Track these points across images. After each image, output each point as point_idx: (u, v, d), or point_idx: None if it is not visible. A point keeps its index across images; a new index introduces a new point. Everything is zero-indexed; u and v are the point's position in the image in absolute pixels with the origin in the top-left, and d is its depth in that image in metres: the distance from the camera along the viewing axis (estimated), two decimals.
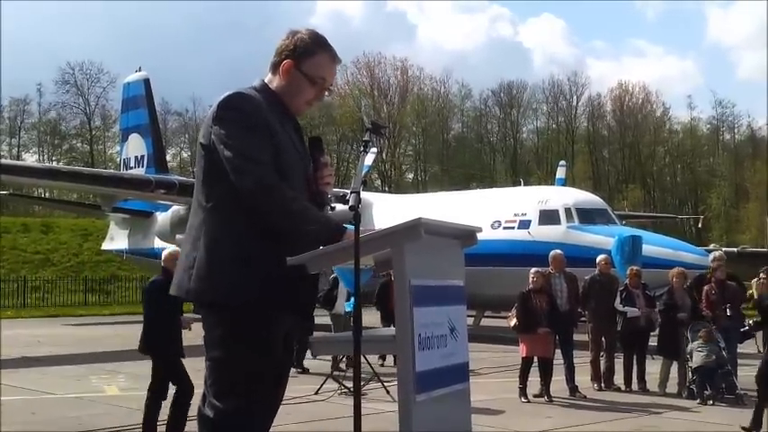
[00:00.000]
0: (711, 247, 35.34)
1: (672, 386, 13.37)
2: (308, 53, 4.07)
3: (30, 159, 64.09)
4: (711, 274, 14.14)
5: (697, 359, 12.61)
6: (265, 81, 4.13)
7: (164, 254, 9.81)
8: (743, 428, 10.01)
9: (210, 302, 3.89)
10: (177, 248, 9.19)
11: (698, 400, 12.34)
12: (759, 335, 13.11)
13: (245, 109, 3.91)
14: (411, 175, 74.76)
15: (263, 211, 3.82)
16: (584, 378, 13.72)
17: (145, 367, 15.86)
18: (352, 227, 3.67)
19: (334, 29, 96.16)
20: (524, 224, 23.51)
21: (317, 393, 12.47)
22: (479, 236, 4.41)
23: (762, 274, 11.40)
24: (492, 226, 23.17)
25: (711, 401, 12.24)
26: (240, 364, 3.82)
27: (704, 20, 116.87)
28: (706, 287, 13.78)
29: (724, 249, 27.36)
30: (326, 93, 4.22)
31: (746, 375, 14.23)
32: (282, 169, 3.88)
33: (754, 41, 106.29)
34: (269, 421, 4.03)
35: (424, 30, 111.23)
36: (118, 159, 41.45)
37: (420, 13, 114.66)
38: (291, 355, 4.17)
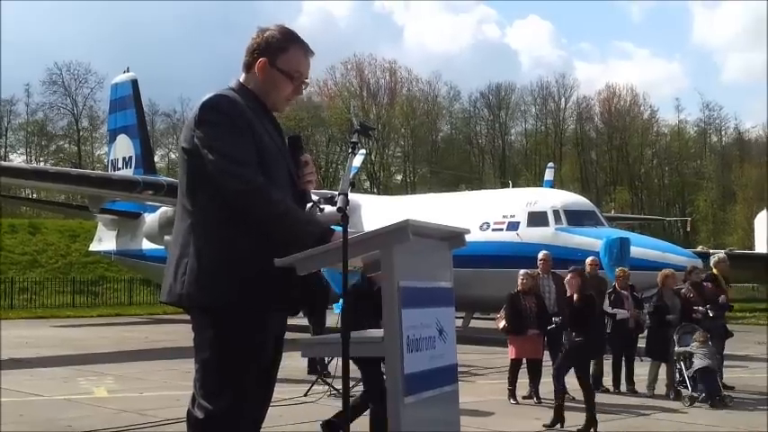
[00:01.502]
0: (699, 249, 35.51)
1: (660, 388, 13.40)
2: (280, 49, 4.07)
3: (17, 160, 63.81)
4: (686, 277, 14.19)
5: (699, 363, 12.54)
6: (241, 81, 4.13)
7: None
8: (545, 426, 10.45)
9: (201, 306, 3.89)
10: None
11: (692, 402, 12.32)
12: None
13: (227, 110, 3.91)
14: (399, 177, 74.69)
15: (249, 213, 3.82)
16: (572, 380, 13.72)
17: (133, 369, 15.89)
18: (341, 228, 3.68)
19: (323, 28, 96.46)
20: (513, 226, 23.53)
21: (306, 395, 12.45)
22: (468, 237, 4.41)
23: (569, 275, 11.45)
24: (480, 228, 23.20)
25: (709, 403, 12.23)
26: (229, 365, 3.83)
27: (689, 23, 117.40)
28: (683, 290, 13.82)
29: (711, 251, 27.48)
30: (303, 87, 4.21)
31: (730, 377, 14.33)
32: (266, 169, 3.88)
33: (740, 43, 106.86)
34: (259, 422, 4.05)
35: (411, 31, 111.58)
36: (106, 160, 41.28)
37: (406, 13, 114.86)
38: (280, 354, 4.17)
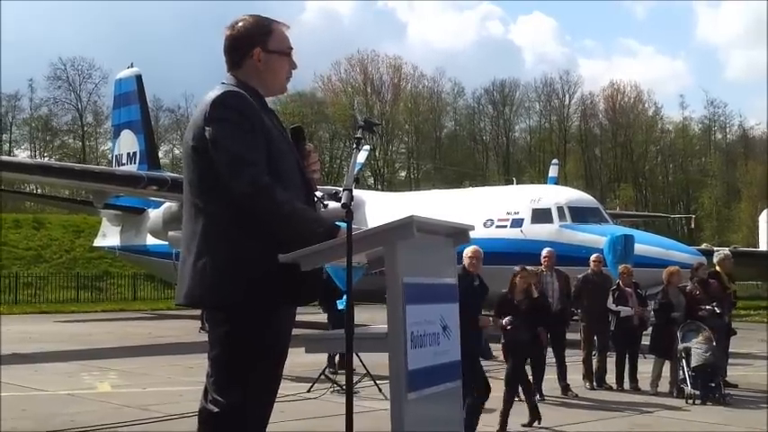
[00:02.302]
0: (703, 246, 35.46)
1: (663, 385, 13.39)
2: (266, 33, 4.07)
3: (21, 155, 63.73)
4: (693, 274, 14.16)
5: (695, 360, 12.51)
6: (237, 78, 4.09)
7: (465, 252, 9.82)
8: (523, 425, 10.36)
9: (221, 305, 3.91)
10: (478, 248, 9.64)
11: (693, 400, 12.28)
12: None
13: (237, 106, 3.89)
14: (403, 173, 74.70)
15: (256, 213, 3.82)
16: (576, 377, 13.73)
17: (136, 364, 15.91)
18: (345, 225, 3.67)
19: (326, 25, 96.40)
20: (517, 223, 23.53)
21: (309, 391, 12.46)
22: (472, 234, 4.41)
23: (518, 276, 11.14)
24: (484, 224, 23.18)
25: (708, 402, 12.19)
26: (240, 361, 3.86)
27: (694, 20, 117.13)
28: (689, 286, 13.79)
29: (715, 248, 27.45)
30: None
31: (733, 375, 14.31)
32: (275, 163, 3.88)
33: (743, 41, 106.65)
34: (267, 416, 4.08)
35: (415, 27, 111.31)
36: (110, 156, 41.33)
37: (410, 10, 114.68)
38: (287, 349, 4.18)
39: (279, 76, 4.13)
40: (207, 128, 3.88)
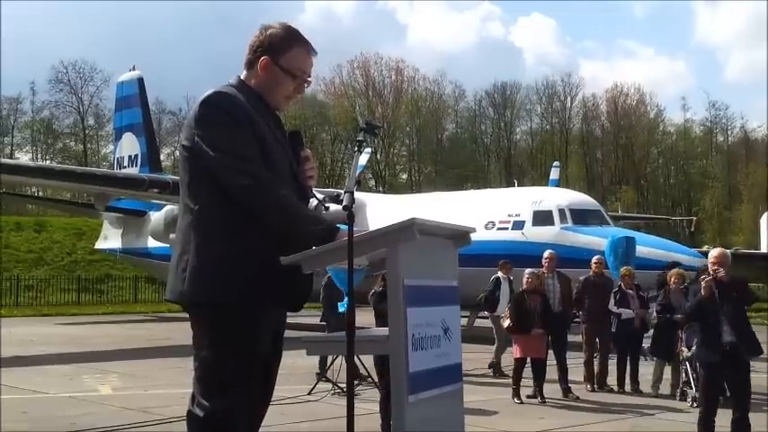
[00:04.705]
0: (705, 248, 35.38)
1: (665, 387, 13.38)
2: (283, 48, 4.05)
3: (23, 158, 63.76)
4: (701, 275, 14.12)
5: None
6: (241, 78, 4.11)
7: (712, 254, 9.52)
8: None
9: (199, 303, 3.88)
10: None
11: (695, 403, 12.26)
12: None
13: (226, 106, 3.89)
14: (405, 176, 74.69)
15: (255, 208, 3.81)
16: (577, 379, 13.73)
17: (137, 367, 15.90)
18: (346, 227, 3.67)
19: (325, 26, 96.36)
20: (518, 225, 23.54)
21: (310, 393, 12.46)
22: (473, 236, 4.40)
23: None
24: (486, 227, 23.18)
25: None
26: (227, 363, 3.81)
27: (692, 21, 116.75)
28: (692, 288, 13.77)
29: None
30: (305, 85, 4.19)
31: None
32: (267, 163, 3.86)
33: (742, 41, 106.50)
34: (258, 420, 4.04)
35: (415, 29, 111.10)
36: (111, 158, 41.36)
37: (410, 12, 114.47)
38: (280, 353, 4.15)
39: (277, 91, 4.09)
40: (196, 128, 3.89)
